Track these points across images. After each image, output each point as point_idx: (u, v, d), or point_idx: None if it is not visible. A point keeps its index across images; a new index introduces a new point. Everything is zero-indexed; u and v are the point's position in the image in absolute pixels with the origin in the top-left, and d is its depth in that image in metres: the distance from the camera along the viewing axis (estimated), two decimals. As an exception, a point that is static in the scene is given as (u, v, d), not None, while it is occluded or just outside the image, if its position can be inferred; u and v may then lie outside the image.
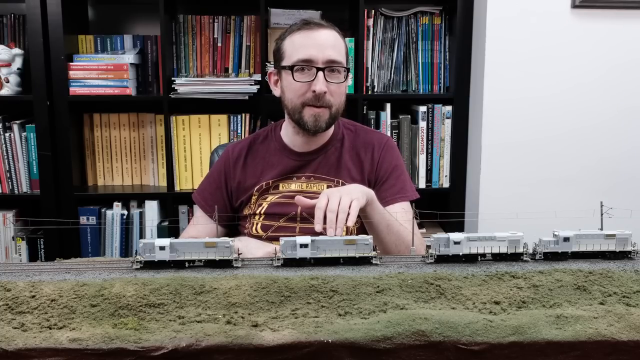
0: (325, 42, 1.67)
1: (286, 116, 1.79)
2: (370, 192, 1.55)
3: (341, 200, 1.41)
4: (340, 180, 1.76)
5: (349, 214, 1.40)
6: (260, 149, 1.84)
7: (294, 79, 1.67)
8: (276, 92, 1.79)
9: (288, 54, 1.70)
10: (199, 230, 1.78)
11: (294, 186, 1.76)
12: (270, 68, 1.81)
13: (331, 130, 1.80)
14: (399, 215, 1.62)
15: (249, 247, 1.53)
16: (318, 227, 1.38)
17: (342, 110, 1.75)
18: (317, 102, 1.66)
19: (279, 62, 1.73)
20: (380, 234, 1.58)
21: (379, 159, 1.79)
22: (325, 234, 1.36)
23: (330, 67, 1.66)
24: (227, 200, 1.83)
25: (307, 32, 1.68)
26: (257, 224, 1.75)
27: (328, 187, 1.74)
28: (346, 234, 1.70)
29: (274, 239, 1.70)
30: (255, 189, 1.77)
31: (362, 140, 1.82)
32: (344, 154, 1.79)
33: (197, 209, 1.89)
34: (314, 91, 1.65)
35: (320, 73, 1.64)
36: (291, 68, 1.67)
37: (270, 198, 1.76)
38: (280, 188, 1.76)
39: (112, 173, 2.76)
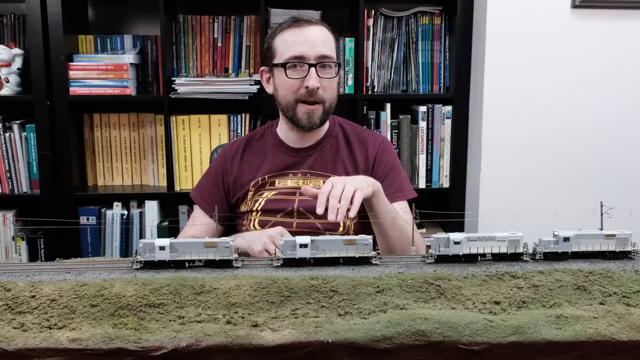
0: (315, 39, 1.69)
1: (280, 113, 1.80)
2: (377, 184, 1.56)
3: (345, 188, 1.42)
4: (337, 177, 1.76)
5: (352, 204, 1.40)
6: (257, 146, 1.85)
7: (286, 75, 1.68)
8: (269, 89, 1.81)
9: (279, 51, 1.71)
10: (198, 229, 1.78)
11: (290, 182, 1.77)
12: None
13: (326, 126, 1.82)
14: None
15: (251, 239, 1.54)
16: (320, 209, 1.40)
17: (335, 105, 1.76)
18: (310, 97, 1.68)
19: (270, 60, 1.75)
20: (385, 227, 1.58)
21: (375, 158, 1.79)
22: (326, 218, 1.38)
23: (321, 62, 1.68)
24: (225, 198, 1.84)
25: (297, 29, 1.70)
26: (254, 220, 1.75)
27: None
28: (346, 228, 1.71)
29: None
30: (252, 184, 1.78)
31: (357, 138, 1.83)
32: (340, 150, 1.81)
33: (195, 208, 1.90)
34: (307, 87, 1.67)
35: (313, 69, 1.67)
36: (283, 65, 1.69)
37: (267, 194, 1.76)
38: (277, 184, 1.77)
39: (112, 173, 2.76)
